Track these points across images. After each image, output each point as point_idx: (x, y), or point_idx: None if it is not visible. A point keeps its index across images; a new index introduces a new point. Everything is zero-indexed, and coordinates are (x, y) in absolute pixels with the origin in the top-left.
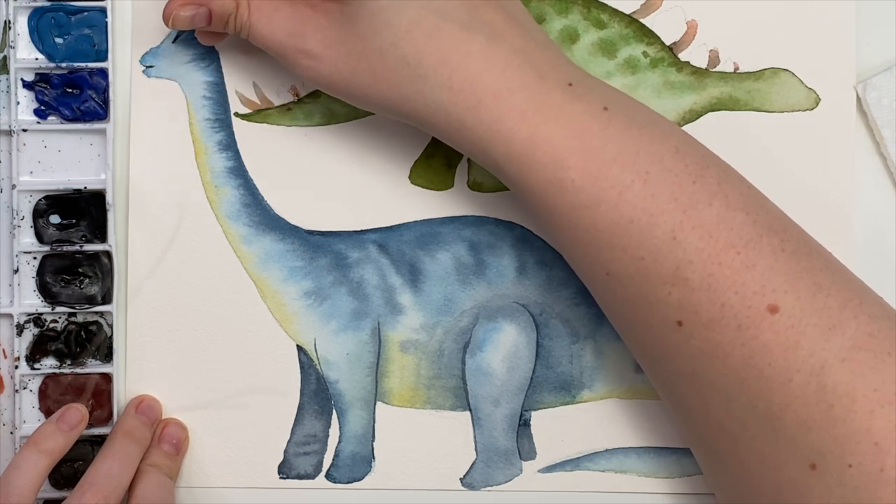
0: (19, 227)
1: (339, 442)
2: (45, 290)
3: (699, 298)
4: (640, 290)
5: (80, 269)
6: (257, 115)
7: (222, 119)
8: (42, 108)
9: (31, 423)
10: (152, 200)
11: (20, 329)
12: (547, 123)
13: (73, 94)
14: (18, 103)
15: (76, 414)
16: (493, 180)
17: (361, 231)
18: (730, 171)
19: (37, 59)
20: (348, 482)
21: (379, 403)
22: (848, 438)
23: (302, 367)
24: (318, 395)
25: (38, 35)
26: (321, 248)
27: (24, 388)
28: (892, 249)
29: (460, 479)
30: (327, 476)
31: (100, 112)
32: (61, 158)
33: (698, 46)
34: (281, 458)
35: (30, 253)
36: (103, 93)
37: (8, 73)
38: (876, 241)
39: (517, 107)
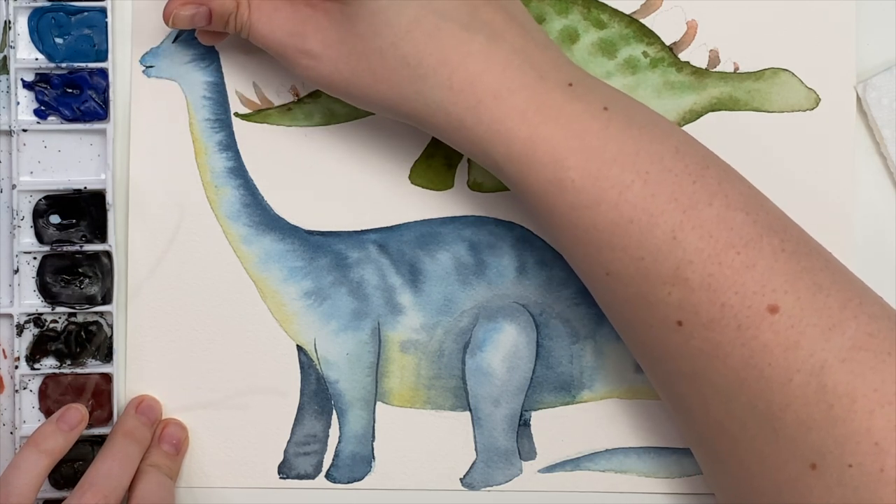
0: (19, 227)
1: (339, 442)
2: (45, 290)
3: (699, 298)
4: (640, 290)
5: (80, 269)
6: (257, 115)
7: (222, 119)
8: (42, 108)
9: (31, 423)
10: (152, 200)
11: (20, 329)
12: (547, 123)
13: (73, 94)
14: (18, 103)
15: (76, 414)
16: (493, 180)
17: (361, 231)
18: (730, 171)
19: (37, 59)
20: (348, 482)
21: (379, 403)
22: (848, 438)
23: (302, 367)
24: (318, 395)
25: (38, 35)
26: (321, 248)
27: (24, 388)
28: (892, 249)
29: (460, 479)
30: (327, 476)
31: (100, 112)
32: (61, 158)
33: (698, 46)
34: (281, 458)
35: (30, 253)
36: (103, 93)
37: (8, 73)
38: (876, 241)
39: (517, 107)
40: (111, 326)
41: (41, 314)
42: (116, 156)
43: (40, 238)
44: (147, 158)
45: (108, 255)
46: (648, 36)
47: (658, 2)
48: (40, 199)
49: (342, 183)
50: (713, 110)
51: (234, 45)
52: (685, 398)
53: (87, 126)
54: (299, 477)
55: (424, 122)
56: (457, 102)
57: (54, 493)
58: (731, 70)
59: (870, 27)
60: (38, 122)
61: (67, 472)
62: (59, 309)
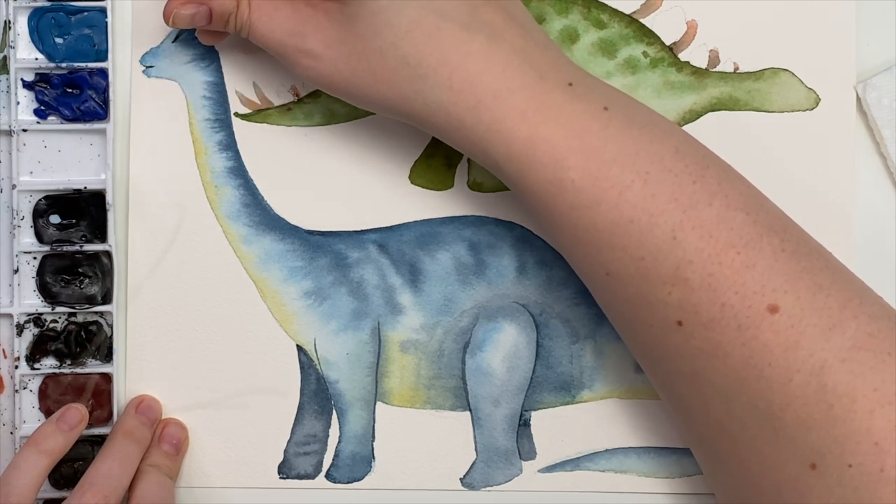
0: (19, 227)
1: (339, 442)
2: (45, 290)
3: (699, 298)
4: (640, 290)
5: (80, 269)
6: (257, 115)
7: (222, 119)
8: (42, 108)
9: (31, 423)
10: (152, 200)
11: (20, 329)
12: (547, 123)
13: (73, 94)
14: (18, 103)
15: (76, 414)
16: (493, 180)
17: (361, 231)
18: (730, 171)
19: (37, 59)
20: (348, 482)
21: (379, 403)
22: (848, 438)
23: (302, 367)
24: (318, 395)
25: (38, 35)
26: (321, 248)
27: (24, 388)
28: (892, 249)
29: (460, 479)
30: (327, 476)
31: (100, 112)
32: (61, 158)
33: (698, 46)
34: (281, 458)
35: (30, 253)
36: (103, 93)
37: (8, 73)
38: (876, 241)
39: (517, 107)
40: (111, 326)
41: (41, 314)
42: (116, 156)
43: (40, 238)
44: (147, 158)
45: (108, 255)
46: (648, 36)
47: (658, 2)
48: (40, 199)
49: (342, 183)
50: (713, 110)
51: (234, 44)
52: (685, 398)
53: (87, 126)
54: (299, 477)
55: (424, 122)
56: (457, 102)
57: (54, 493)
58: (731, 70)
59: (870, 27)
60: (38, 122)
61: (67, 472)
62: (59, 309)
